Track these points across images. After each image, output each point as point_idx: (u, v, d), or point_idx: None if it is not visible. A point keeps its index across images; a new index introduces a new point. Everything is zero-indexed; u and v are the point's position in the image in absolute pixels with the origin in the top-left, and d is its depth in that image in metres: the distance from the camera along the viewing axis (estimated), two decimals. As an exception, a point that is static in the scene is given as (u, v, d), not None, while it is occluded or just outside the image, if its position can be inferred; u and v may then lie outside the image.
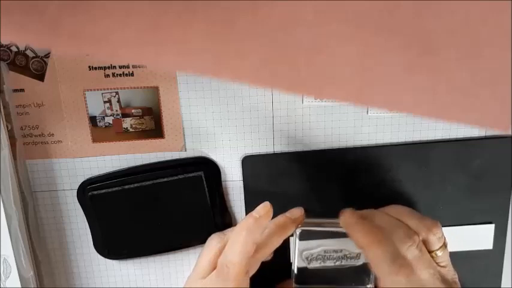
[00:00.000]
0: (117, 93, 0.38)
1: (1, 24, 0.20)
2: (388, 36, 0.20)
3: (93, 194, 0.40)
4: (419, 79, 0.20)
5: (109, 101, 0.39)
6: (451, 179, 0.42)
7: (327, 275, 0.39)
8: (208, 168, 0.40)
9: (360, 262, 0.38)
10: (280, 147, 0.41)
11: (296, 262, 0.38)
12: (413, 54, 0.20)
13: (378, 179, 0.41)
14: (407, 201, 0.42)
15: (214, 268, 0.37)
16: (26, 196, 0.40)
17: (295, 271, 0.39)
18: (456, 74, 0.20)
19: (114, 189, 0.39)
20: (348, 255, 0.38)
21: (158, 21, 0.20)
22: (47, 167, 0.40)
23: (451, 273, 0.35)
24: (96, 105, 0.39)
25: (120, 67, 0.38)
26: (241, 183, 0.42)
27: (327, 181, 0.41)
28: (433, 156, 0.41)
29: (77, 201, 0.41)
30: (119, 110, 0.39)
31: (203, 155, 0.41)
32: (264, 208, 0.36)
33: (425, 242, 0.35)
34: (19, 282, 0.39)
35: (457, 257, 0.39)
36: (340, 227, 0.37)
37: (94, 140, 0.40)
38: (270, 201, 0.36)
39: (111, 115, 0.39)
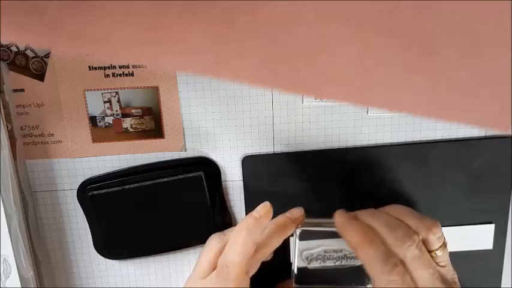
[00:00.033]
0: (117, 93, 0.38)
1: (1, 24, 0.20)
2: (388, 36, 0.20)
3: (93, 194, 0.40)
4: (419, 79, 0.20)
5: (109, 101, 0.39)
6: (451, 179, 0.42)
7: (327, 275, 0.39)
8: (208, 168, 0.40)
9: (359, 262, 0.38)
10: (280, 147, 0.41)
11: (296, 262, 0.38)
12: (413, 54, 0.20)
13: (378, 179, 0.41)
14: (407, 201, 0.42)
15: (214, 268, 0.37)
16: (26, 196, 0.40)
17: (295, 271, 0.39)
18: (456, 74, 0.20)
19: (114, 189, 0.39)
20: (348, 255, 0.38)
21: (158, 21, 0.20)
22: (47, 167, 0.40)
23: (450, 273, 0.35)
24: (96, 105, 0.39)
25: (120, 67, 0.38)
26: (241, 183, 0.42)
27: (327, 181, 0.41)
28: (433, 156, 0.41)
29: (77, 201, 0.41)
30: (119, 110, 0.39)
31: (203, 155, 0.41)
32: (264, 208, 0.36)
33: (425, 242, 0.35)
34: (19, 282, 0.39)
35: (457, 257, 0.39)
36: (340, 227, 0.37)
37: (94, 140, 0.40)
38: (270, 201, 0.36)
39: (111, 115, 0.39)
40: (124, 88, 0.38)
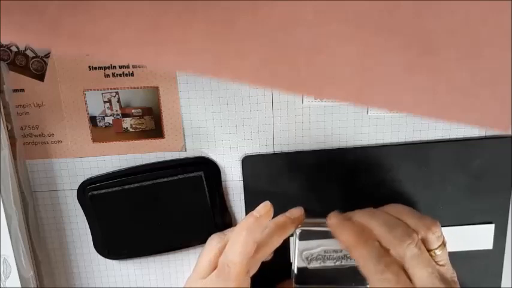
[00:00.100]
0: (117, 93, 0.38)
1: (1, 24, 0.20)
2: (388, 36, 0.20)
3: (93, 194, 0.40)
4: (419, 79, 0.20)
5: (109, 101, 0.39)
6: (451, 179, 0.42)
7: (327, 275, 0.39)
8: (208, 168, 0.40)
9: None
10: (280, 147, 0.41)
11: (296, 262, 0.38)
12: (413, 54, 0.20)
13: (378, 179, 0.41)
14: (407, 201, 0.42)
15: (215, 268, 0.37)
16: (26, 196, 0.40)
17: (295, 271, 0.39)
18: (456, 74, 0.20)
19: (114, 189, 0.39)
20: (348, 255, 0.38)
21: (158, 21, 0.20)
22: (47, 167, 0.40)
23: (449, 272, 0.35)
24: (96, 105, 0.39)
25: (120, 67, 0.38)
26: (241, 183, 0.42)
27: (327, 181, 0.41)
28: (433, 156, 0.41)
29: (77, 201, 0.41)
30: (119, 110, 0.39)
31: (203, 155, 0.41)
32: (265, 207, 0.36)
33: (424, 241, 0.35)
34: (19, 282, 0.39)
35: (457, 257, 0.39)
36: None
37: (94, 140, 0.40)
38: (270, 201, 0.36)
39: (111, 115, 0.39)
40: (124, 88, 0.38)
